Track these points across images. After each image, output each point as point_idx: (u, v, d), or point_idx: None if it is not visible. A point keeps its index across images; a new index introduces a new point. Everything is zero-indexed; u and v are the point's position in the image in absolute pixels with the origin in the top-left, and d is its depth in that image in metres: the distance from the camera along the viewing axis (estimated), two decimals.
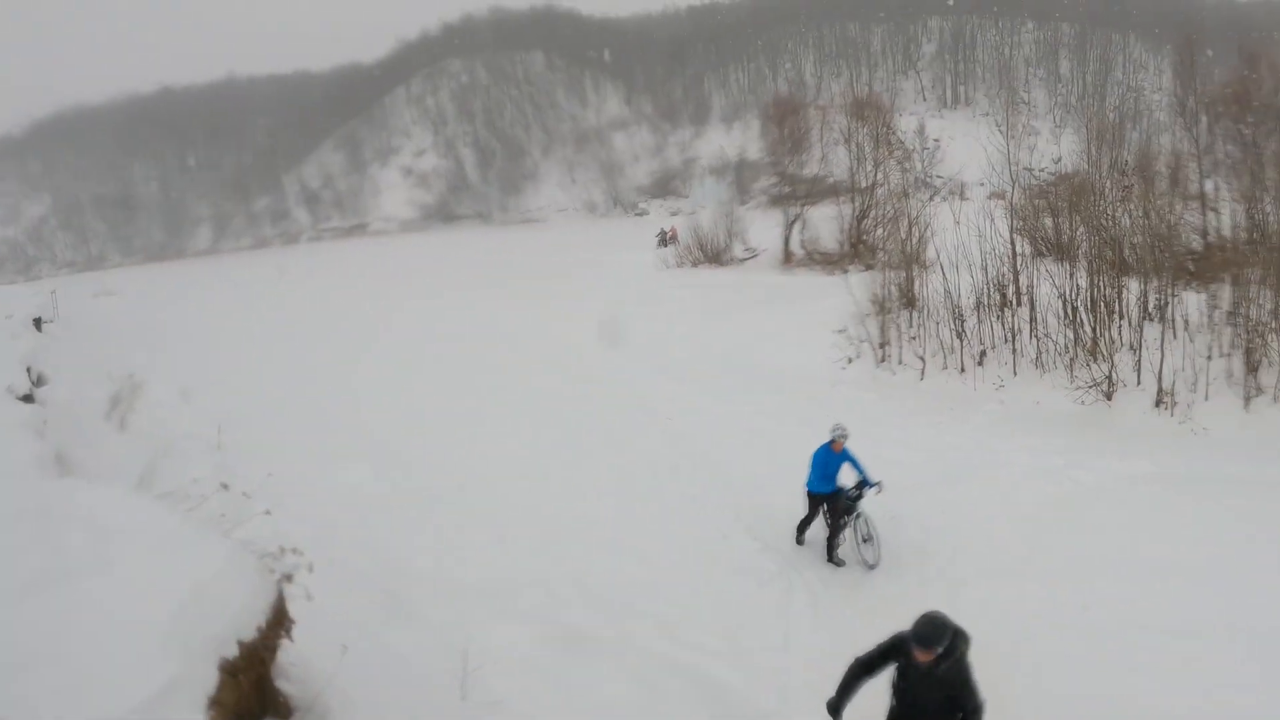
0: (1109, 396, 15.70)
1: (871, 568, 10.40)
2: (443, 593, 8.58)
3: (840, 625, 8.86)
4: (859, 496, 10.74)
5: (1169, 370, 15.35)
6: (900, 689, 6.21)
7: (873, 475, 10.76)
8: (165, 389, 16.54)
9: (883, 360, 18.38)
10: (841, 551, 10.66)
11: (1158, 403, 15.22)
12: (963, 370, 17.50)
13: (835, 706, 6.23)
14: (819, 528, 11.15)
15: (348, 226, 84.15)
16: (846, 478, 10.92)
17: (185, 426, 14.20)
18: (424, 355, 21.99)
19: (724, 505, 11.98)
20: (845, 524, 10.73)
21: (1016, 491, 12.45)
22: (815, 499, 10.91)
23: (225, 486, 7.68)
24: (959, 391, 17.06)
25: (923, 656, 5.83)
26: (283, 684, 5.81)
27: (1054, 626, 8.89)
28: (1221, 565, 9.97)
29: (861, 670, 6.29)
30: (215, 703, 4.85)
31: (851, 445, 10.90)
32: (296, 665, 5.85)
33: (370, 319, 28.41)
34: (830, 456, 10.81)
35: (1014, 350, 17.36)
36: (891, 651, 6.21)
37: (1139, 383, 15.74)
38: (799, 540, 11.12)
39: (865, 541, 10.66)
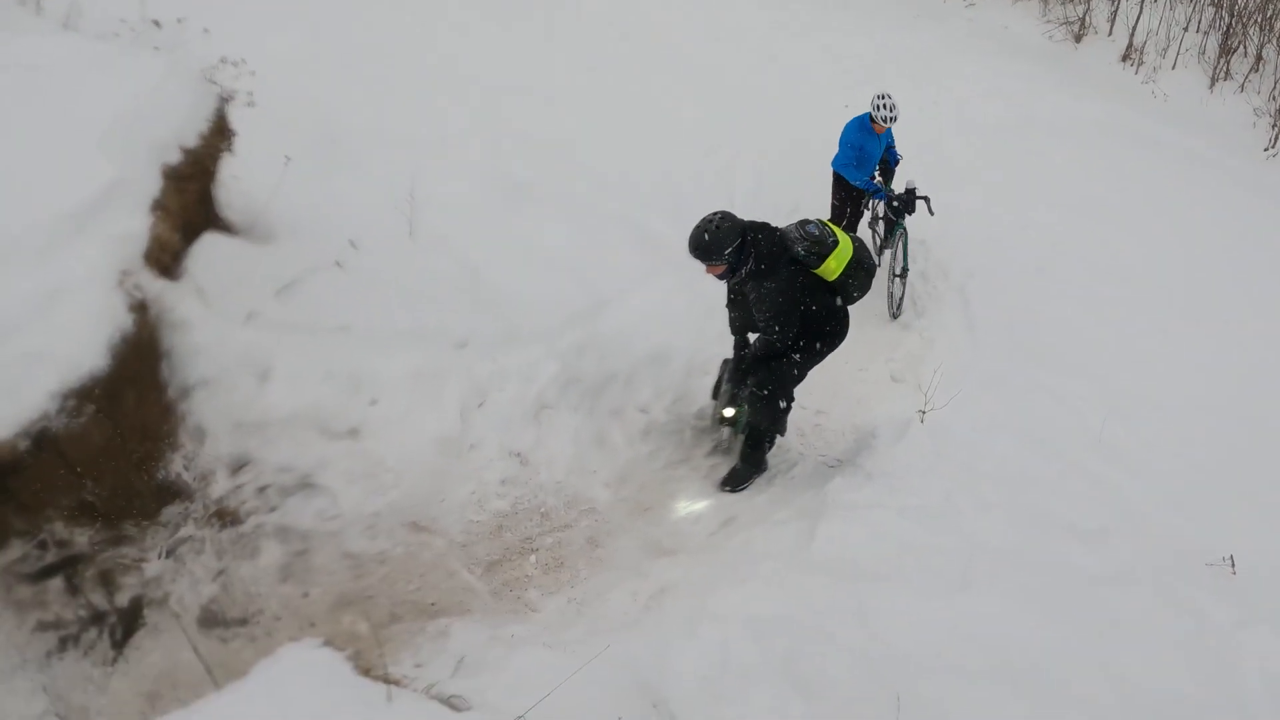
0: (1078, 39, 15.30)
1: (894, 317, 8.43)
2: (386, 144, 8.28)
3: (783, 191, 8.94)
4: (908, 205, 8.26)
5: (1143, 29, 14.91)
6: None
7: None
8: None
9: None
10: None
11: (1124, 57, 14.93)
12: None
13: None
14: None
15: None
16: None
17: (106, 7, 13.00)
18: None
19: (673, 72, 11.47)
20: (892, 243, 8.46)
21: (971, 104, 12.33)
22: (842, 187, 8.52)
23: (157, 24, 7.27)
24: (926, 1, 16.21)
25: (707, 270, 5.32)
26: (225, 207, 5.69)
27: (990, 240, 9.13)
28: (1154, 222, 10.26)
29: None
30: (159, 206, 4.72)
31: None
32: (240, 179, 5.70)
33: None
34: (869, 138, 8.29)
35: None
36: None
37: (1110, 34, 15.31)
38: None
39: (899, 276, 8.40)
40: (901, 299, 8.44)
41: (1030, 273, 8.95)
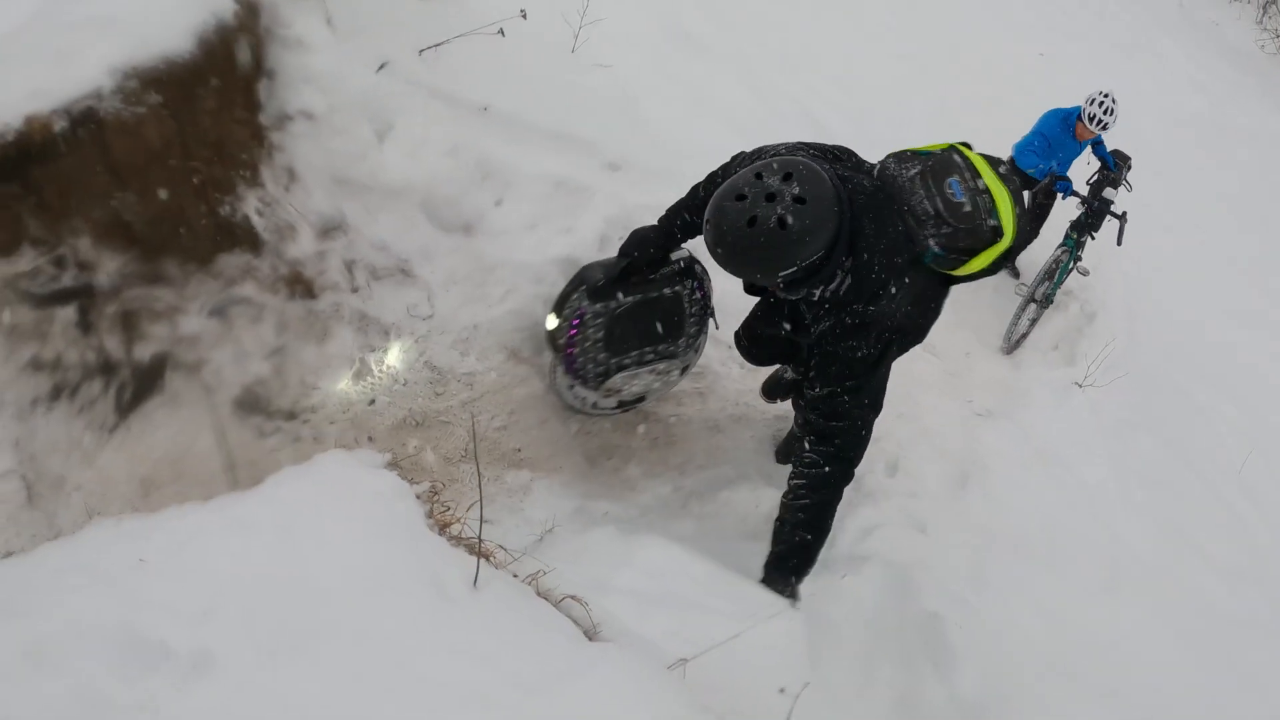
0: None
1: (1007, 351, 5.56)
2: None
3: (966, 116, 7.24)
4: (1093, 218, 5.49)
5: None
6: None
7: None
8: None
9: None
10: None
11: None
12: None
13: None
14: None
15: None
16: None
17: None
18: None
19: None
20: (1051, 261, 5.57)
21: (1170, 91, 10.21)
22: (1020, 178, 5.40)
23: None
24: None
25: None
26: None
27: (1165, 233, 7.47)
28: None
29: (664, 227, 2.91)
30: None
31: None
32: None
33: None
34: (1067, 139, 5.70)
35: None
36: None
37: None
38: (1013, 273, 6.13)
39: (1036, 302, 5.60)
40: (1027, 333, 5.64)
41: (1199, 279, 7.26)
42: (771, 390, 3.75)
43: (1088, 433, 4.77)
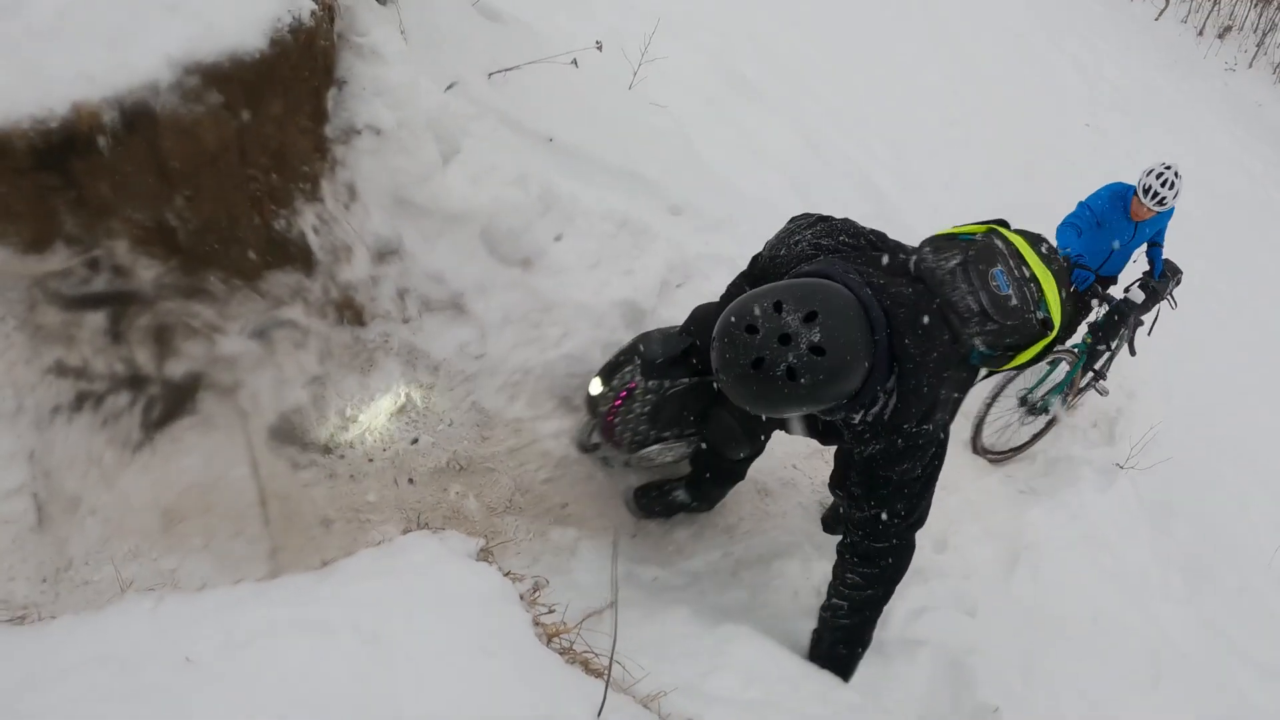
0: None
1: (991, 457, 4.55)
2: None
3: (1009, 185, 6.97)
4: (1113, 324, 4.61)
5: None
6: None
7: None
8: None
9: None
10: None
11: None
12: None
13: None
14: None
15: None
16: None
17: None
18: None
19: (922, 38, 8.79)
20: (1089, 350, 4.65)
21: (1211, 167, 9.77)
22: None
23: None
24: (1185, 51, 13.28)
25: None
26: None
27: (1204, 315, 7.06)
28: None
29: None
30: None
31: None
32: None
33: None
34: (1118, 217, 4.57)
35: None
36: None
37: None
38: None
39: (1026, 408, 4.67)
40: (1025, 446, 4.70)
41: (1236, 361, 6.93)
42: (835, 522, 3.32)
43: (1130, 516, 4.51)
